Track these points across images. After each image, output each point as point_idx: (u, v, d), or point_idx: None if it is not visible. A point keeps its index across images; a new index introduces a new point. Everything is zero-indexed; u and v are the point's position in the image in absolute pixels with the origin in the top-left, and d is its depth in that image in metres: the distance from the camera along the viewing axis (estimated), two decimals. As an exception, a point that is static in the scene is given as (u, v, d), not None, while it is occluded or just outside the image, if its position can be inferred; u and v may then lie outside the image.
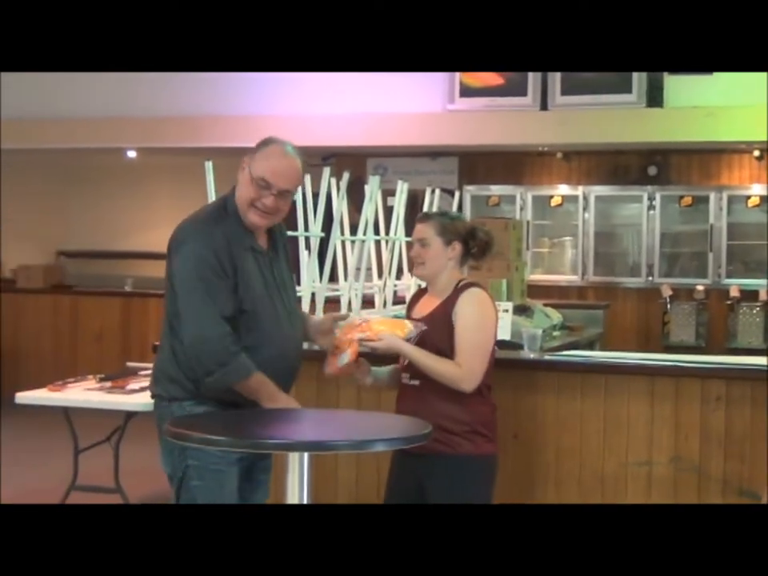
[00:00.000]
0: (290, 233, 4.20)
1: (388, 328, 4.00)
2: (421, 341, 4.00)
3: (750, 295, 10.35)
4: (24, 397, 5.95)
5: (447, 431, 3.96)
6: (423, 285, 4.31)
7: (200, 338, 3.55)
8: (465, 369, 3.97)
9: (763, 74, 8.41)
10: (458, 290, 4.07)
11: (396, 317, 6.31)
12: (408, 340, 3.98)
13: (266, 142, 3.71)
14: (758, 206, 10.54)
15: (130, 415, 5.80)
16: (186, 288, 3.57)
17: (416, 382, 4.06)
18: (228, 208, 3.69)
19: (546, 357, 5.08)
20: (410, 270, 4.61)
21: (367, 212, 6.40)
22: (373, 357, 4.05)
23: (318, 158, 10.78)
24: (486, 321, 4.07)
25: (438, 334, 4.00)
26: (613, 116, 9.80)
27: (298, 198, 6.01)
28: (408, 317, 4.23)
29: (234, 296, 3.59)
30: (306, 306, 5.36)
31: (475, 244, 4.17)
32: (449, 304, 4.05)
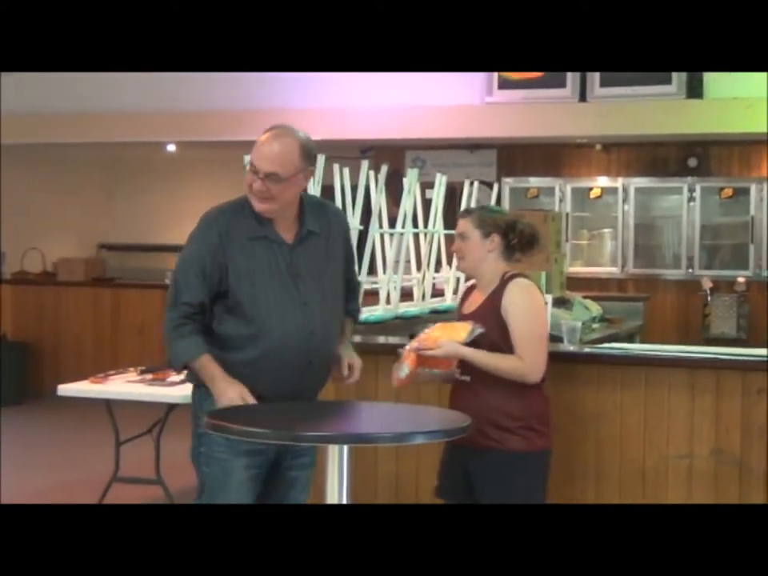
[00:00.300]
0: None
1: (445, 334, 4.00)
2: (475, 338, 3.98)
3: (791, 287, 10.26)
4: (66, 389, 5.99)
5: (498, 427, 3.96)
6: (462, 277, 4.30)
7: (164, 324, 3.71)
8: (528, 361, 3.97)
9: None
10: (504, 282, 4.06)
11: (434, 311, 6.34)
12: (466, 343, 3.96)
13: (268, 129, 3.66)
14: (799, 197, 10.46)
15: (171, 407, 5.84)
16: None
17: (466, 378, 4.06)
18: (247, 199, 3.71)
19: (586, 349, 5.06)
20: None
21: (406, 205, 6.41)
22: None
23: (356, 151, 10.80)
24: (537, 310, 4.07)
25: (489, 328, 3.98)
26: (652, 107, 9.72)
27: (337, 190, 6.03)
28: (459, 314, 4.22)
29: (219, 285, 3.60)
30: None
31: (515, 236, 4.15)
32: (496, 297, 4.04)
